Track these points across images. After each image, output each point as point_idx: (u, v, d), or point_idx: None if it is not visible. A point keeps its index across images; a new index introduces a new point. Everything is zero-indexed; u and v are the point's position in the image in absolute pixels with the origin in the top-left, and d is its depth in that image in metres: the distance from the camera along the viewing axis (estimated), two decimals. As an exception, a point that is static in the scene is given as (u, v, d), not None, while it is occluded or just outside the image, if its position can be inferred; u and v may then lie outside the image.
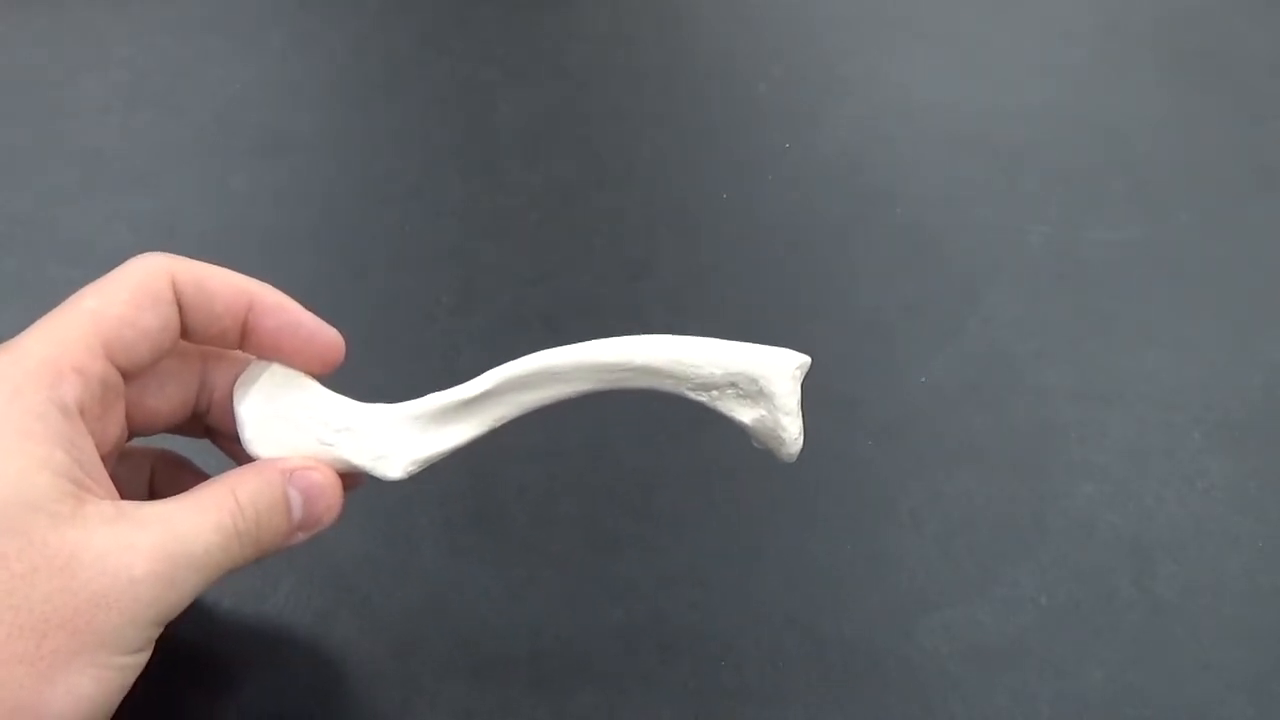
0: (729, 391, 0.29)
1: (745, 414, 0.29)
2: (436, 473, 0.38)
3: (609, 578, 0.35)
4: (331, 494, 0.28)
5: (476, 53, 0.58)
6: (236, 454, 0.29)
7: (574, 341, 0.29)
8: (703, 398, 0.29)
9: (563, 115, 0.54)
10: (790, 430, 0.29)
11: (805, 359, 0.29)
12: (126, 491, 0.26)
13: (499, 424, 0.29)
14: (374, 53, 0.59)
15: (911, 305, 0.45)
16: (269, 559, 0.34)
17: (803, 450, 0.39)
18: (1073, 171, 0.52)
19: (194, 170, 0.50)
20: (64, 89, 0.54)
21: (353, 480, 0.30)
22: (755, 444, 0.30)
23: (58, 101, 0.54)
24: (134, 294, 0.27)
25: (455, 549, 0.36)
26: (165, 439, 0.31)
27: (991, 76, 0.58)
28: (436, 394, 0.29)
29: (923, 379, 0.41)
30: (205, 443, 0.32)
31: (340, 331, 0.30)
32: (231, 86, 0.55)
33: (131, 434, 0.29)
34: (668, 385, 0.29)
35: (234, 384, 0.29)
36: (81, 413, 0.25)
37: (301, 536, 0.28)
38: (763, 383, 0.28)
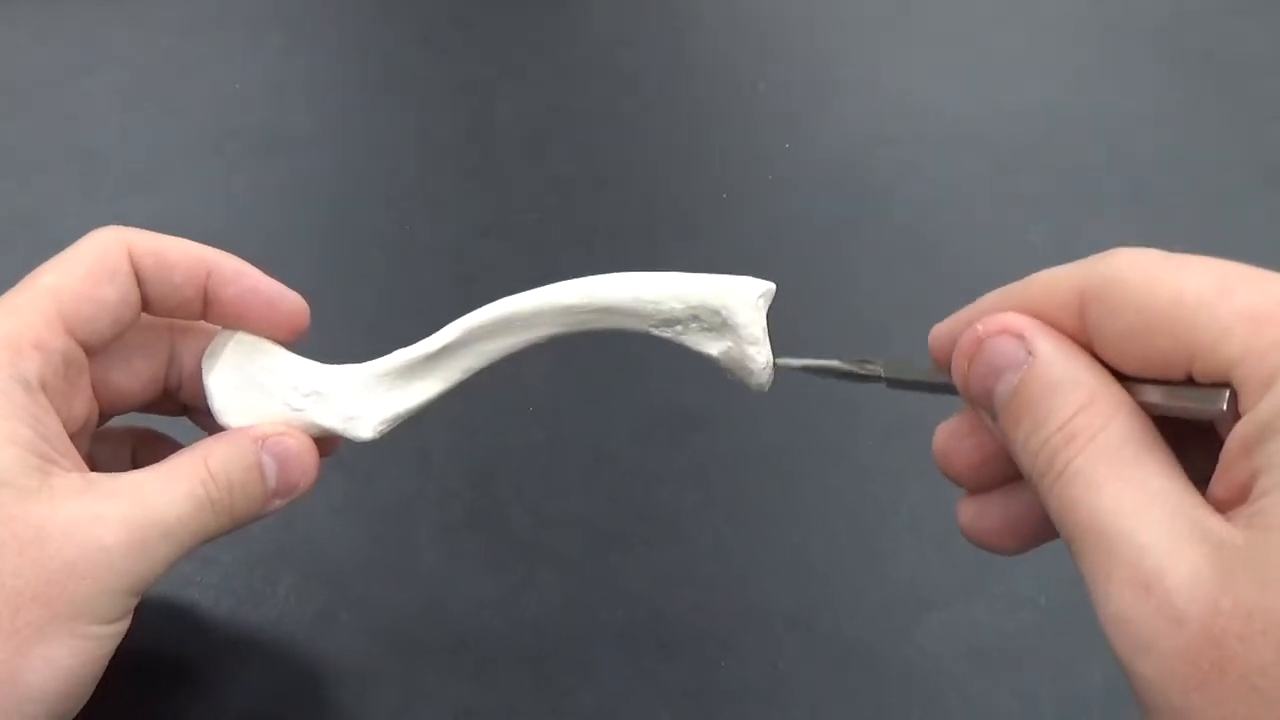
0: (693, 325, 0.28)
1: (712, 347, 0.28)
2: (436, 473, 0.38)
3: (609, 578, 0.35)
4: (307, 459, 0.28)
5: (476, 53, 0.58)
6: (214, 429, 0.29)
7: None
8: (668, 334, 0.28)
9: (563, 115, 0.54)
10: (758, 359, 0.28)
11: (768, 285, 0.28)
12: (108, 471, 0.26)
13: (467, 375, 0.29)
14: (374, 53, 0.59)
15: (911, 305, 0.45)
16: (270, 556, 0.34)
17: (802, 450, 0.39)
18: (1073, 171, 0.52)
19: (194, 170, 0.50)
20: (64, 89, 0.54)
21: (328, 444, 0.30)
22: (728, 378, 0.29)
23: (58, 101, 0.54)
24: (90, 268, 0.27)
25: (455, 549, 0.36)
26: (145, 418, 0.31)
27: (991, 76, 0.58)
28: (402, 350, 0.29)
29: (923, 379, 0.41)
30: (185, 421, 0.32)
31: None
32: (231, 86, 0.55)
33: (105, 414, 0.29)
34: (631, 324, 0.28)
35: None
36: (44, 388, 0.25)
37: (279, 503, 0.28)
38: (725, 313, 0.28)
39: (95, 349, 0.27)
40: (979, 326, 0.22)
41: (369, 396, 0.29)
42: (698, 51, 0.60)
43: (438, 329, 0.29)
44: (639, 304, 0.28)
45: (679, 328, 0.28)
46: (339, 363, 0.30)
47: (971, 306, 0.24)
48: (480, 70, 0.57)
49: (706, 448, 0.39)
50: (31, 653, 0.23)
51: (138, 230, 0.28)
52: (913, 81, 0.57)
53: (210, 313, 0.29)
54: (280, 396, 0.29)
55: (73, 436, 0.26)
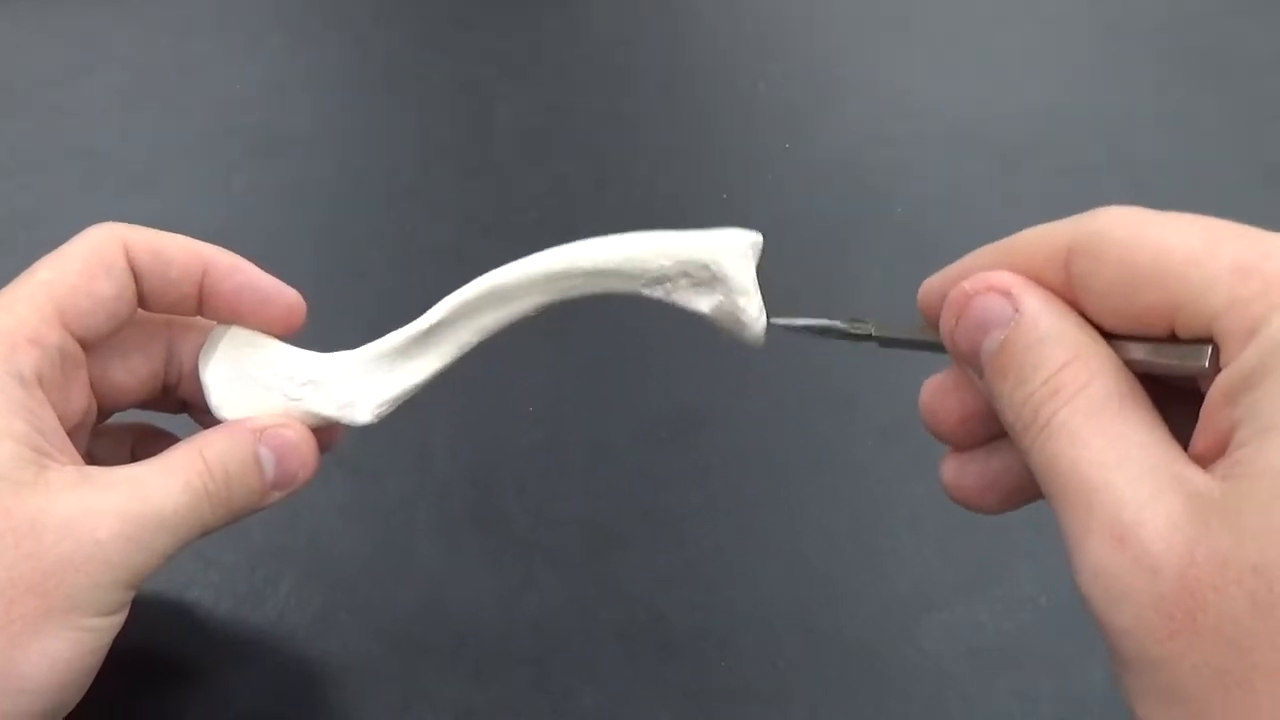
0: (682, 282, 0.28)
1: (703, 302, 0.28)
2: (437, 473, 0.38)
3: (609, 578, 0.35)
4: (305, 450, 0.28)
5: (476, 53, 0.58)
6: (213, 426, 0.29)
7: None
8: (658, 293, 0.28)
9: (563, 115, 0.54)
10: (749, 310, 0.27)
11: (756, 236, 0.28)
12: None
13: (462, 351, 0.29)
14: (374, 53, 0.59)
15: (912, 305, 0.45)
16: (271, 555, 0.34)
17: (802, 449, 0.39)
18: (1073, 171, 0.52)
19: (194, 170, 0.50)
20: (64, 89, 0.54)
21: (328, 436, 0.30)
22: (721, 336, 0.28)
23: (58, 101, 0.54)
24: (86, 263, 0.27)
25: (455, 549, 0.36)
26: (145, 415, 0.31)
27: (991, 76, 0.58)
28: (394, 332, 0.29)
29: (922, 379, 0.41)
30: (185, 418, 0.32)
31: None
32: (231, 86, 0.55)
33: (104, 411, 0.29)
34: (621, 286, 0.28)
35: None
36: (40, 382, 0.25)
37: (278, 495, 0.28)
38: (714, 266, 0.27)
39: (92, 344, 0.27)
40: (966, 284, 0.23)
41: (365, 381, 0.29)
42: (698, 51, 0.60)
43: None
44: (628, 264, 0.28)
45: (668, 285, 0.28)
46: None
47: (959, 263, 0.24)
48: (480, 70, 0.57)
49: (707, 447, 0.39)
50: (27, 645, 0.23)
51: (134, 226, 0.28)
52: (913, 81, 0.57)
53: (207, 308, 0.29)
54: (277, 388, 0.29)
55: (71, 432, 0.27)
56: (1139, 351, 0.21)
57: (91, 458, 0.28)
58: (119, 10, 0.60)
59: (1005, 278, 0.22)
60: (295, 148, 0.52)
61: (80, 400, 0.28)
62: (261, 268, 0.29)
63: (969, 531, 0.37)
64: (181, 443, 0.27)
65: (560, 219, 0.48)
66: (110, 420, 0.30)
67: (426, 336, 0.29)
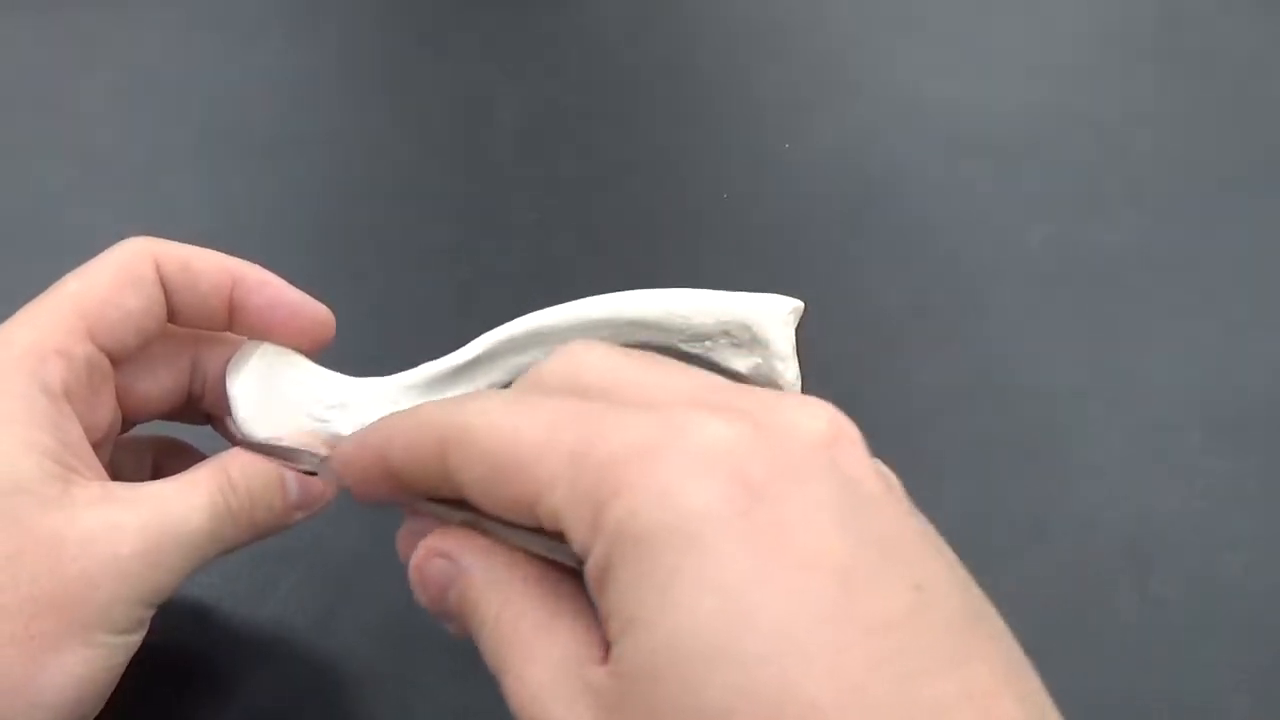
0: (722, 341, 0.28)
1: (740, 363, 0.28)
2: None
3: (609, 578, 0.35)
4: None
5: (476, 53, 0.58)
6: (236, 438, 0.29)
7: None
8: (696, 349, 0.28)
9: (563, 115, 0.54)
10: (787, 375, 0.28)
11: (798, 303, 0.28)
12: (129, 479, 0.26)
13: (494, 389, 0.29)
14: (374, 53, 0.59)
15: (912, 305, 0.45)
16: (272, 555, 0.34)
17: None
18: (1073, 171, 0.52)
19: (194, 170, 0.50)
20: (64, 89, 0.54)
21: None
22: None
23: (58, 101, 0.54)
24: (116, 276, 0.27)
25: (455, 549, 0.36)
26: (167, 426, 0.31)
27: (991, 76, 0.58)
28: (429, 363, 0.29)
29: (922, 379, 0.41)
30: (208, 429, 0.32)
31: (340, 332, 0.30)
32: (231, 86, 0.55)
33: (128, 421, 0.29)
34: (661, 339, 0.28)
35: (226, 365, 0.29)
36: (67, 395, 0.25)
37: (300, 515, 0.28)
38: (755, 329, 0.28)
39: (120, 357, 0.27)
40: (418, 553, 0.22)
41: (394, 409, 0.29)
42: (698, 51, 0.60)
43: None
44: (670, 318, 0.28)
45: (708, 343, 0.28)
46: (341, 365, 0.30)
47: (347, 457, 0.24)
48: (480, 70, 0.57)
49: (706, 448, 0.39)
50: (46, 660, 0.23)
51: (164, 240, 0.28)
52: (913, 81, 0.57)
53: (236, 323, 0.29)
54: (305, 408, 0.29)
55: (95, 444, 0.26)
56: (537, 544, 0.20)
57: (113, 469, 0.28)
58: (119, 10, 0.59)
59: (445, 542, 0.22)
60: (295, 148, 0.52)
61: (106, 413, 0.27)
62: (263, 268, 0.29)
63: (969, 531, 0.37)
64: (206, 461, 0.27)
65: (560, 219, 0.48)
66: (132, 431, 0.30)
67: (461, 371, 0.29)
